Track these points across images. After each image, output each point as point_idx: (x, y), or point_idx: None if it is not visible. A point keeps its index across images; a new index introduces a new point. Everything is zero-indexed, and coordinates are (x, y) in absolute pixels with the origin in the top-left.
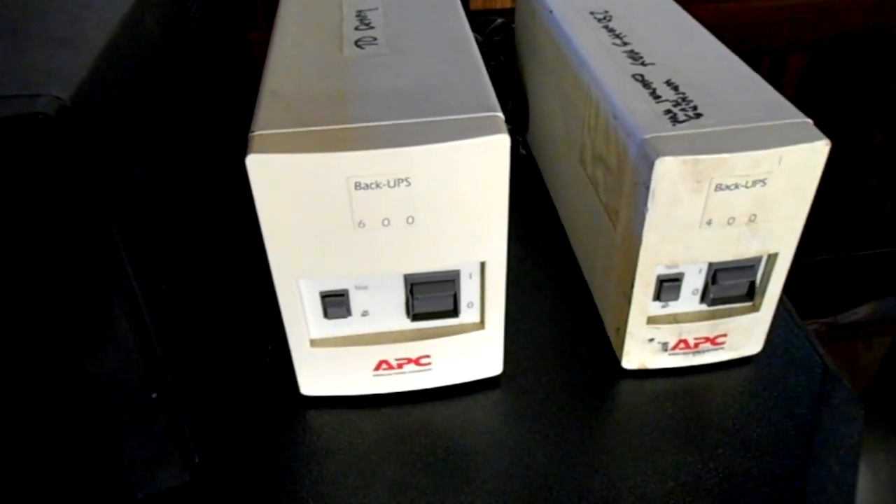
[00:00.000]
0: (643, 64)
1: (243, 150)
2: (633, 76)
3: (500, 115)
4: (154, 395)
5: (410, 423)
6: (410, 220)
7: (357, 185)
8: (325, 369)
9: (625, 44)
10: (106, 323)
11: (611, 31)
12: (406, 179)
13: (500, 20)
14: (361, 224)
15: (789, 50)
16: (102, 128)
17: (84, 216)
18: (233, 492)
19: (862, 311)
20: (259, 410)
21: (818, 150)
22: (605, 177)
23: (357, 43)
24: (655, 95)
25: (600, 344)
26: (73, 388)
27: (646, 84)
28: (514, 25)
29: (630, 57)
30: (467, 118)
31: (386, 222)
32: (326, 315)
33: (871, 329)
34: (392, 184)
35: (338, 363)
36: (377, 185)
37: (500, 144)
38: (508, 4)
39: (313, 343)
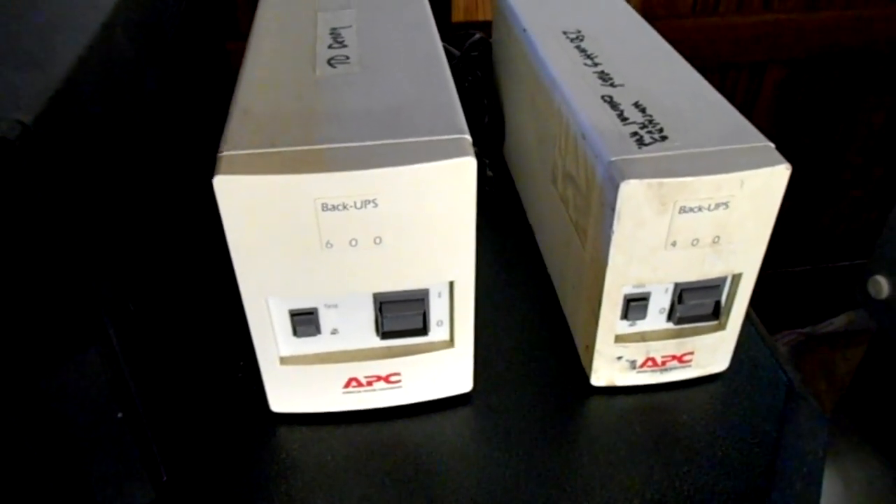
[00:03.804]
0: (612, 85)
1: (212, 169)
2: (602, 97)
3: (468, 137)
4: (120, 415)
5: (380, 440)
6: (378, 240)
7: (324, 207)
8: (294, 387)
9: (595, 64)
10: (70, 343)
11: (582, 51)
12: (373, 201)
13: (478, 35)
14: (329, 244)
15: (767, 64)
16: (69, 148)
17: (48, 240)
18: None
19: (838, 322)
20: (228, 427)
21: (779, 175)
22: (575, 196)
23: (329, 62)
24: (623, 117)
25: (570, 361)
26: (38, 407)
27: (614, 105)
28: (491, 40)
29: (600, 78)
30: (435, 140)
31: (354, 243)
32: (296, 333)
33: (847, 339)
34: (359, 205)
35: (307, 381)
36: (344, 207)
37: (466, 167)
38: (490, 17)
39: (283, 361)
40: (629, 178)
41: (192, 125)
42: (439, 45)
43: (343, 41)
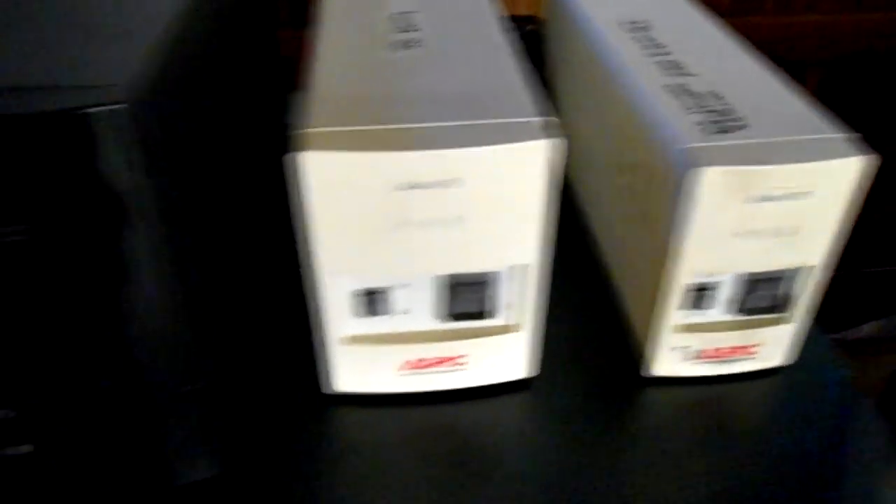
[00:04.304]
0: (685, 74)
1: (277, 147)
2: (676, 86)
3: (550, 119)
4: (200, 386)
5: (436, 423)
6: (454, 221)
7: (404, 185)
8: (356, 367)
9: (665, 54)
10: (161, 315)
11: (650, 41)
12: (452, 181)
13: (529, 27)
14: (406, 223)
15: (807, 65)
16: (159, 121)
17: (140, 211)
18: (259, 485)
19: (868, 328)
20: (282, 406)
21: (862, 165)
22: (642, 185)
23: (400, 45)
24: (699, 105)
25: (626, 350)
26: (126, 377)
27: (689, 93)
28: (542, 32)
29: (671, 67)
30: (515, 122)
31: (430, 223)
32: (362, 313)
33: (878, 346)
34: (438, 185)
35: (369, 361)
36: (423, 186)
37: (545, 149)
38: (525, 11)
39: (347, 340)
40: (707, 165)
41: (251, 106)
42: (504, 30)
43: (412, 25)
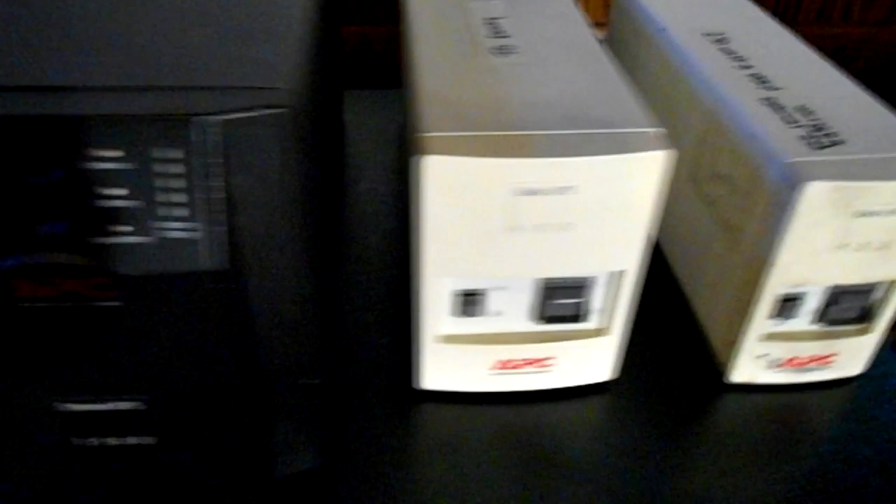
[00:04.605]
0: (771, 88)
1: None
2: (763, 99)
3: (660, 129)
4: (317, 381)
5: (519, 422)
6: (563, 227)
7: (521, 191)
8: (448, 365)
9: (747, 66)
10: (292, 308)
11: (730, 53)
12: (568, 188)
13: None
14: (516, 228)
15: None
16: (309, 119)
17: (285, 205)
18: (355, 477)
19: None
20: (374, 401)
21: None
22: (732, 195)
23: (497, 51)
24: (790, 120)
25: (701, 356)
26: (250, 371)
27: (777, 108)
28: (606, 38)
29: (756, 80)
30: (629, 132)
31: (539, 228)
32: (459, 312)
33: None
34: (552, 192)
35: (461, 360)
36: (538, 192)
37: (661, 159)
38: (591, 18)
39: (442, 339)
40: (811, 179)
41: (336, 102)
42: (594, 36)
43: (503, 31)
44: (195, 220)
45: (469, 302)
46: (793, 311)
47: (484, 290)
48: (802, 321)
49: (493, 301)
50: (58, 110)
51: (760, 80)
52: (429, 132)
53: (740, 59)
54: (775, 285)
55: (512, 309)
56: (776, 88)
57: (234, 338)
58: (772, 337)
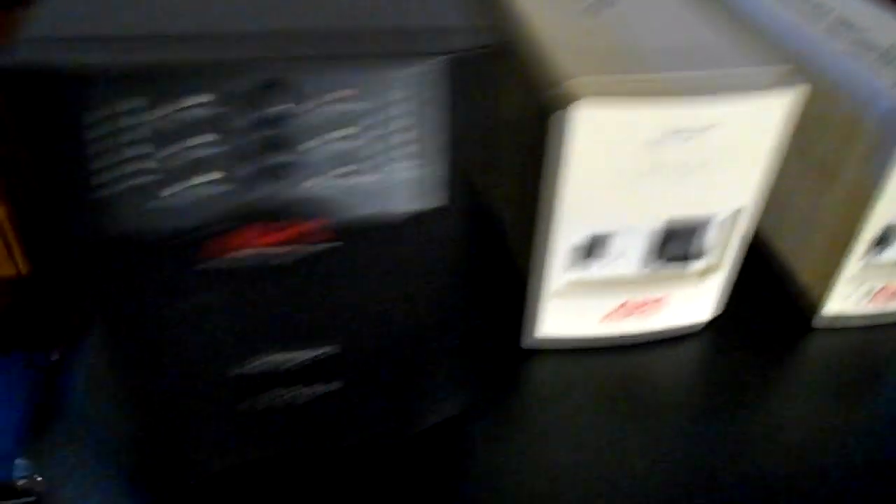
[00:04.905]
0: (859, 30)
1: None
2: (853, 41)
3: (790, 66)
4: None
5: (621, 372)
6: (697, 166)
7: (668, 131)
8: (564, 312)
9: (829, 11)
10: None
11: (807, 1)
12: (710, 126)
13: None
14: (655, 170)
15: None
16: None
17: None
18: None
19: None
20: (488, 355)
21: None
22: (823, 138)
23: (597, 4)
24: (887, 61)
25: (783, 298)
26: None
27: (869, 49)
28: None
29: (841, 24)
30: (761, 69)
31: (675, 169)
32: (580, 259)
33: None
34: (696, 130)
35: (577, 308)
36: (679, 134)
37: (796, 94)
38: None
39: (561, 288)
40: None
41: None
42: None
43: None
44: (421, 158)
45: (591, 247)
46: (884, 246)
47: (608, 234)
48: (892, 253)
49: (615, 244)
50: (294, 53)
51: (845, 24)
52: (575, 78)
53: (819, 5)
54: (878, 220)
55: (631, 252)
56: (863, 30)
57: (438, 277)
58: (865, 270)
